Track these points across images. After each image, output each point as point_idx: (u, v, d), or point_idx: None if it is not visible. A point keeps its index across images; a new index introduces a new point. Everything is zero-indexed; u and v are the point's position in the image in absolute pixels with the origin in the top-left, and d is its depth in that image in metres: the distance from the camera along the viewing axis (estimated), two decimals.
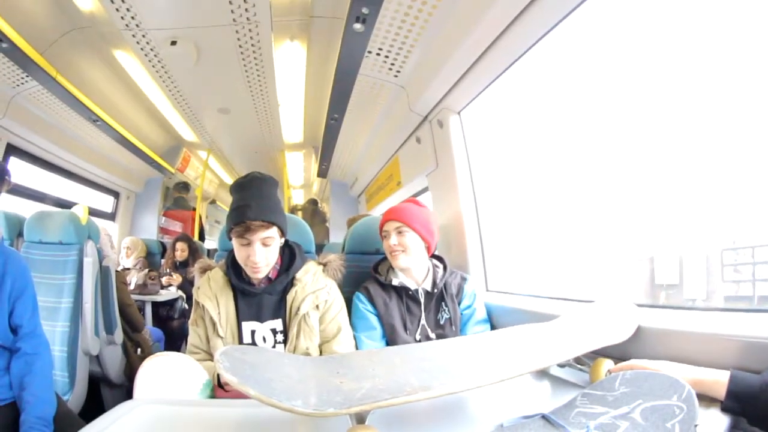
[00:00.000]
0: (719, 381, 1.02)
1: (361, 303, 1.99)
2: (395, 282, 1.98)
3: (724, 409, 1.00)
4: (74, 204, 2.97)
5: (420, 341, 1.91)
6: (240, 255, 1.66)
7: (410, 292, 1.98)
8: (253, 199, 1.64)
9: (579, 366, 1.44)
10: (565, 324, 1.52)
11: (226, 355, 0.94)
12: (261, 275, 1.69)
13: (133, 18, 2.65)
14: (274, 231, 1.66)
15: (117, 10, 2.56)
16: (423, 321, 1.96)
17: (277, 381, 0.93)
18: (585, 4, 1.77)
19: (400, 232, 1.97)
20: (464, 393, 1.06)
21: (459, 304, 2.05)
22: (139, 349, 3.23)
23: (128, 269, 4.45)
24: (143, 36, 2.85)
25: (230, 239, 1.69)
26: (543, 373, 1.52)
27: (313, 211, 7.98)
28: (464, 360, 1.18)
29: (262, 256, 1.64)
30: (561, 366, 1.50)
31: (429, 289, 2.00)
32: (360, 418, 0.93)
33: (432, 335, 1.94)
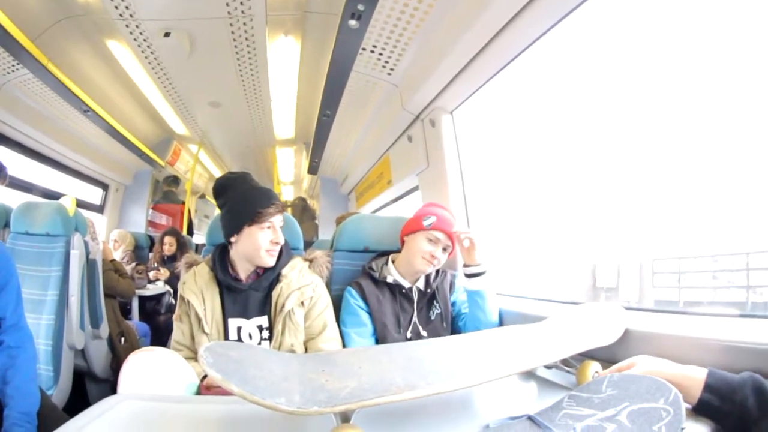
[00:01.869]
0: (697, 378, 1.02)
1: (353, 298, 1.97)
2: (389, 279, 1.98)
3: (701, 401, 1.00)
4: (62, 195, 2.94)
5: (411, 339, 1.91)
6: (259, 241, 1.68)
7: (404, 290, 1.98)
8: (265, 187, 1.77)
9: (566, 368, 1.44)
10: (553, 326, 1.52)
11: (210, 351, 0.92)
12: (274, 261, 1.73)
13: (127, 8, 2.63)
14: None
15: None
16: (415, 318, 1.96)
17: (261, 378, 0.92)
18: (580, 8, 1.78)
19: (445, 249, 1.97)
20: (451, 393, 1.06)
21: (451, 296, 2.07)
22: (123, 338, 3.21)
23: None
24: (137, 26, 2.83)
25: (236, 232, 1.70)
26: (530, 375, 1.51)
27: (302, 208, 7.97)
28: (451, 360, 1.18)
29: (282, 237, 1.72)
30: (548, 367, 1.51)
31: (422, 288, 2.01)
32: (345, 417, 0.93)
33: (423, 332, 1.95)
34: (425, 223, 1.96)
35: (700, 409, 1.01)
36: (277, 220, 1.70)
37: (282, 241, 1.72)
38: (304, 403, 0.85)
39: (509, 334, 1.46)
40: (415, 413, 1.16)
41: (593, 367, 1.32)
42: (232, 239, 1.72)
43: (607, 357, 1.41)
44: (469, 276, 1.95)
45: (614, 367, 1.20)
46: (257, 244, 1.67)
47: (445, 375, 1.03)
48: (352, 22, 2.22)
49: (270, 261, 1.71)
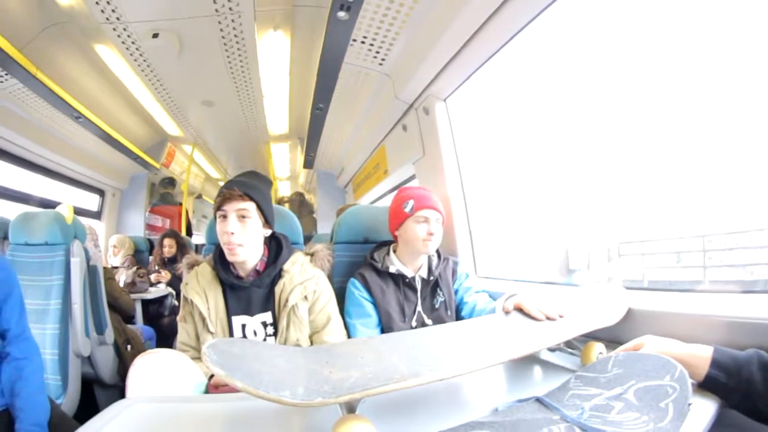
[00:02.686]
0: (703, 356, 1.03)
1: (357, 290, 1.98)
2: (392, 269, 1.98)
3: (707, 378, 1.01)
4: (59, 204, 2.94)
5: (416, 327, 1.91)
6: (219, 234, 1.65)
7: (407, 280, 1.98)
8: (240, 179, 1.70)
9: (570, 350, 1.44)
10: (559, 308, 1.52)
11: (213, 348, 0.92)
12: (238, 258, 1.66)
13: (113, 11, 2.62)
14: (251, 206, 1.65)
15: (97, 3, 2.53)
16: (419, 308, 1.96)
17: (265, 372, 0.92)
18: None
19: (437, 221, 1.98)
20: (456, 379, 1.06)
21: (454, 284, 2.06)
22: (129, 345, 3.21)
23: (116, 268, 4.40)
24: (124, 29, 2.82)
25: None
26: (534, 358, 1.51)
27: (300, 203, 7.96)
28: (454, 346, 1.18)
29: (236, 227, 1.62)
30: (552, 350, 1.51)
31: (425, 276, 2.01)
32: (350, 408, 0.93)
33: (428, 321, 1.95)
34: (407, 210, 1.97)
35: (706, 386, 1.02)
36: (229, 207, 1.63)
37: (239, 232, 1.63)
38: (308, 395, 0.85)
39: (511, 319, 1.45)
40: (421, 400, 1.16)
41: (597, 348, 1.33)
42: None
43: (611, 337, 1.42)
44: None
45: (620, 348, 1.20)
46: (220, 237, 1.65)
47: (449, 361, 1.04)
48: (341, 14, 2.20)
49: (231, 256, 1.66)
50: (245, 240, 1.65)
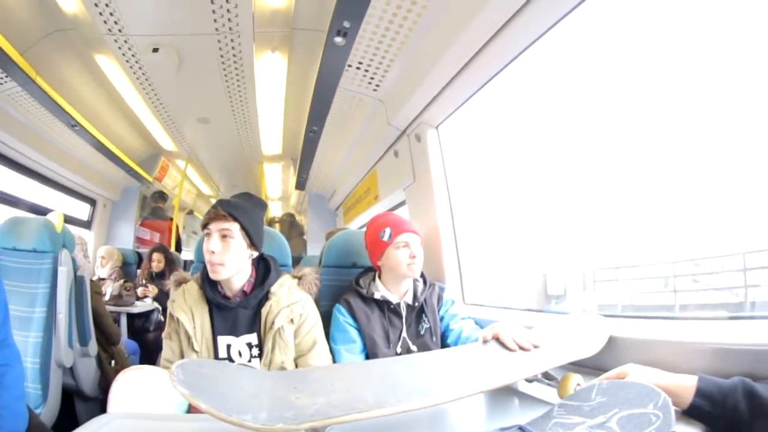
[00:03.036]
0: (687, 386, 1.04)
1: (342, 315, 1.97)
2: (377, 295, 1.99)
3: (692, 406, 1.02)
4: (49, 210, 2.93)
5: (401, 354, 1.91)
6: (204, 251, 1.66)
7: (392, 306, 1.98)
8: (230, 199, 1.74)
9: (547, 381, 1.44)
10: (537, 338, 1.52)
11: (181, 368, 0.93)
12: (219, 276, 1.67)
13: (116, 23, 2.64)
14: (235, 227, 1.67)
15: (100, 14, 2.56)
16: (404, 334, 1.96)
17: (231, 395, 0.92)
18: (558, 25, 1.81)
19: (417, 243, 2.00)
20: (440, 406, 1.07)
21: (439, 311, 2.07)
22: (113, 361, 3.18)
23: (103, 279, 4.38)
24: (125, 41, 2.85)
25: None
26: (510, 390, 1.51)
27: (290, 224, 7.95)
28: (428, 376, 1.18)
29: (217, 246, 1.64)
30: (529, 381, 1.50)
31: (410, 302, 2.01)
32: None
33: (413, 347, 1.95)
34: (385, 239, 1.98)
35: (691, 414, 1.03)
36: (214, 227, 1.66)
37: (219, 251, 1.65)
38: (270, 420, 0.86)
39: (489, 349, 1.46)
40: (402, 427, 1.16)
41: (575, 380, 1.32)
42: None
43: (593, 365, 1.42)
44: None
45: (603, 376, 1.21)
46: (204, 256, 1.67)
47: (419, 392, 1.04)
48: (338, 39, 2.24)
49: (213, 274, 1.67)
50: (226, 260, 1.66)
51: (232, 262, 1.68)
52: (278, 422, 0.85)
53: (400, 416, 1.00)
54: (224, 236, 1.66)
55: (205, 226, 1.67)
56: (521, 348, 1.43)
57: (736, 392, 0.99)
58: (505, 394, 1.48)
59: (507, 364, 1.32)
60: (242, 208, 1.70)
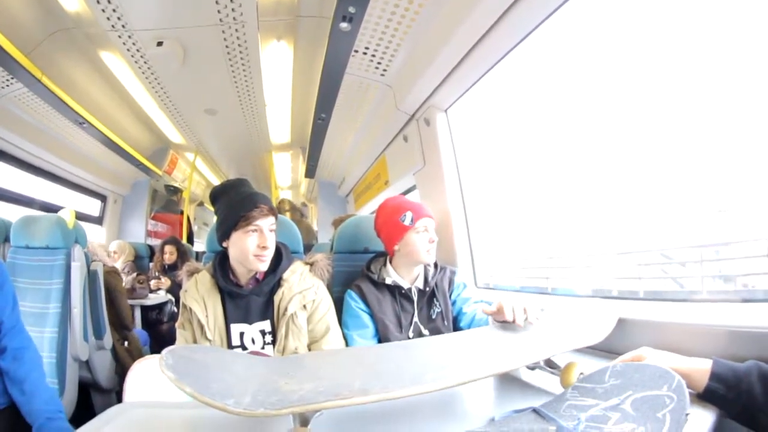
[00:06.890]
0: (702, 369, 1.03)
1: (354, 301, 1.97)
2: (388, 281, 1.98)
3: (707, 390, 1.01)
4: (61, 208, 2.94)
5: (412, 338, 1.91)
6: (246, 246, 1.67)
7: (403, 291, 1.97)
8: (254, 192, 1.75)
9: (550, 369, 1.39)
10: (540, 323, 1.50)
11: (171, 353, 0.92)
12: (265, 266, 1.71)
13: (119, 18, 2.64)
14: (274, 221, 1.74)
15: (103, 10, 2.55)
16: (416, 318, 1.95)
17: (217, 380, 0.92)
18: (566, 4, 1.78)
19: (433, 228, 1.99)
20: (441, 392, 1.05)
21: (451, 295, 2.05)
22: (126, 342, 3.22)
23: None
24: (129, 37, 2.84)
25: (226, 237, 1.72)
26: (512, 378, 1.48)
27: (297, 222, 7.93)
28: (423, 362, 1.16)
29: (272, 242, 1.71)
30: (531, 369, 1.46)
31: (421, 287, 2.00)
32: (303, 420, 0.93)
33: (425, 331, 1.94)
34: (406, 223, 1.95)
35: (705, 397, 1.02)
36: (264, 223, 1.68)
37: (271, 246, 1.70)
38: (253, 405, 0.85)
39: (492, 334, 1.45)
40: (389, 417, 1.14)
41: (578, 369, 1.24)
42: (224, 245, 1.74)
43: (604, 348, 1.41)
44: None
45: (619, 359, 1.19)
46: (245, 249, 1.66)
47: (410, 380, 1.01)
48: (344, 25, 2.22)
49: (260, 266, 1.70)
50: (271, 251, 1.73)
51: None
52: (260, 407, 0.85)
53: (399, 403, 0.99)
54: (271, 231, 1.71)
55: (250, 222, 1.67)
56: (514, 321, 1.44)
57: (750, 376, 0.98)
58: (508, 382, 1.45)
59: (509, 351, 1.30)
60: (271, 201, 1.74)
